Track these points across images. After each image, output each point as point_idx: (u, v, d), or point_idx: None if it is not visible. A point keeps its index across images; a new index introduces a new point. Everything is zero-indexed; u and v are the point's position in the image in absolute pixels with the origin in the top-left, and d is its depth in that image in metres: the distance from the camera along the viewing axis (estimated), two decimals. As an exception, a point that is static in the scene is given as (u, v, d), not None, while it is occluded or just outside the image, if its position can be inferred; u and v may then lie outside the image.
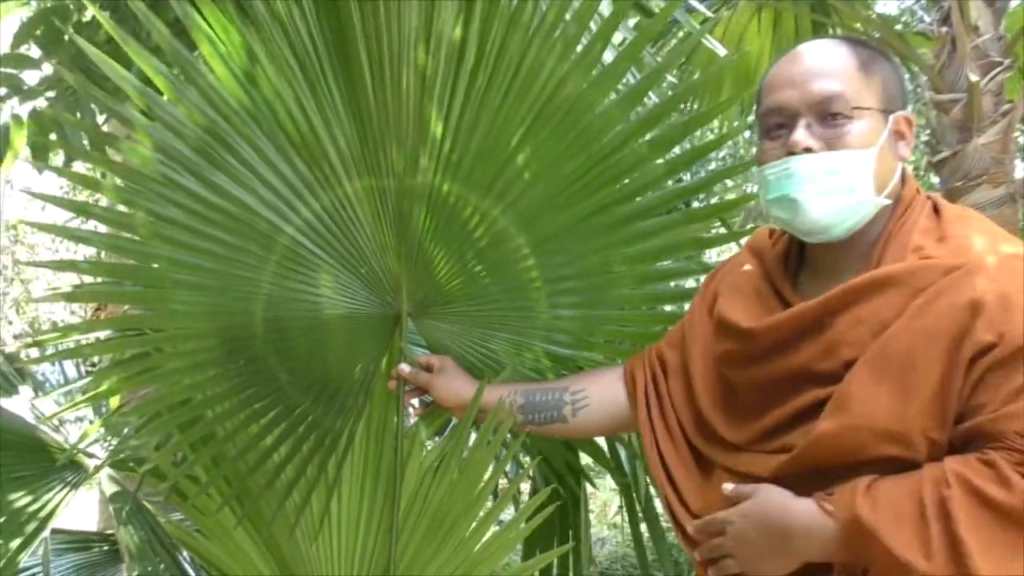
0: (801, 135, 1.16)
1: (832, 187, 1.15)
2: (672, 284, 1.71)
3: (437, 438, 1.75)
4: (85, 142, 2.33)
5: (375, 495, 1.59)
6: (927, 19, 3.17)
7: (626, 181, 1.52)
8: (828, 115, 1.16)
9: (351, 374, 1.61)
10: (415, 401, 1.66)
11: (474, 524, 1.57)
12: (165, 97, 1.46)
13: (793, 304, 1.21)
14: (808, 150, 1.16)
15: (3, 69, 2.21)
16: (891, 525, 1.02)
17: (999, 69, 2.84)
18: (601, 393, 1.49)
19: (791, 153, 1.17)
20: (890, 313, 1.10)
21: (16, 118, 2.29)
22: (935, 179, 3.18)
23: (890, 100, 1.20)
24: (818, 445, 1.10)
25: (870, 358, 1.09)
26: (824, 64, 1.19)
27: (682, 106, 4.16)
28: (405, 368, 1.56)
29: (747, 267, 1.31)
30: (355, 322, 1.60)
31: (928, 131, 3.03)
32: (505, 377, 1.61)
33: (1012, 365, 1.04)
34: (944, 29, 2.92)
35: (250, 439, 1.57)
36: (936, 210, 1.21)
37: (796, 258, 1.29)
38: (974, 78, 2.78)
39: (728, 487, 1.16)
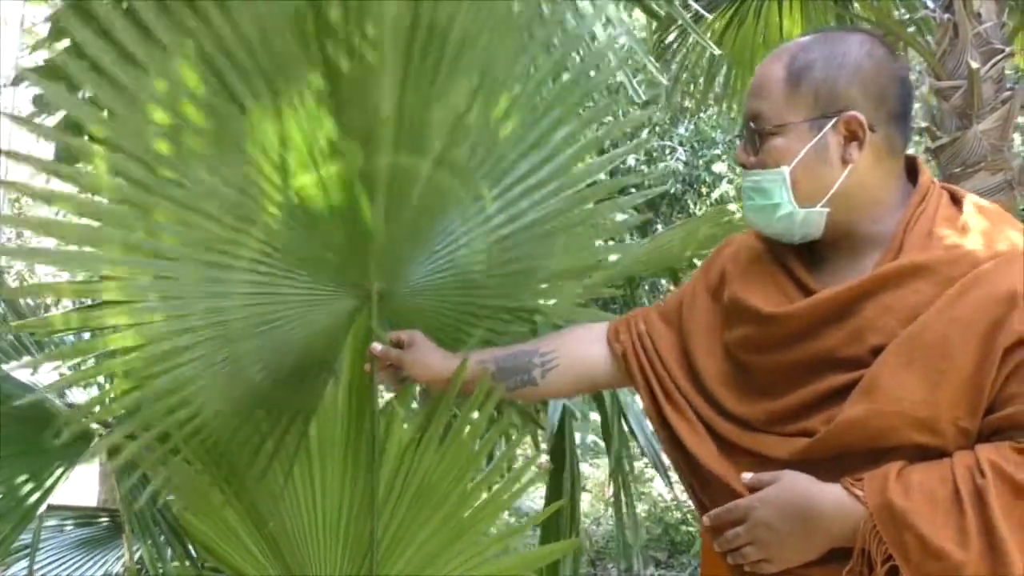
0: (739, 150, 1.23)
1: (762, 202, 1.20)
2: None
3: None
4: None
5: (356, 474, 1.61)
6: (931, 5, 3.16)
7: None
8: (755, 133, 1.20)
9: (320, 356, 1.61)
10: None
11: (461, 495, 1.58)
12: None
13: (812, 289, 1.19)
14: (743, 165, 1.22)
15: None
16: (925, 512, 1.01)
17: (1000, 56, 2.85)
18: (572, 352, 1.48)
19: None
20: (920, 301, 1.09)
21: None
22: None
23: (829, 104, 1.16)
24: (844, 429, 1.08)
25: (900, 344, 1.07)
26: (757, 80, 1.22)
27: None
28: (377, 347, 1.55)
29: (756, 251, 1.30)
30: (326, 306, 1.59)
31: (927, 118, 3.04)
32: (473, 346, 1.61)
33: None
34: (946, 16, 2.93)
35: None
36: (954, 200, 1.20)
37: (808, 244, 1.27)
38: (975, 65, 2.79)
39: (747, 476, 1.15)
